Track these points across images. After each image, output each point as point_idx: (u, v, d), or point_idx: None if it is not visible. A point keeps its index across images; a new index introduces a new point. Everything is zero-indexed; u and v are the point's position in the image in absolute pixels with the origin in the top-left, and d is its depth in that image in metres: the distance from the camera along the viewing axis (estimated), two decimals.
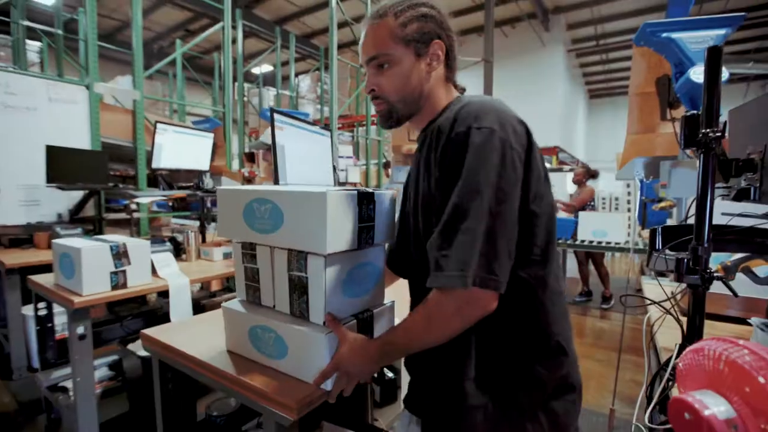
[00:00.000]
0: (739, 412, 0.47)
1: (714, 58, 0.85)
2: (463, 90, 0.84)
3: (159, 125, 2.36)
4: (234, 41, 5.43)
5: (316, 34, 10.99)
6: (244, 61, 6.33)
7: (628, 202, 7.77)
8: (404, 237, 0.86)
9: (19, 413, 2.07)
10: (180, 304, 1.83)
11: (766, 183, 0.94)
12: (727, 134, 0.92)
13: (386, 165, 5.73)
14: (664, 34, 1.61)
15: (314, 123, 1.80)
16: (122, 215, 3.28)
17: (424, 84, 0.77)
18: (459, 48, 0.84)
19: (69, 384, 1.84)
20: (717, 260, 1.08)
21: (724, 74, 1.51)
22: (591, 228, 3.30)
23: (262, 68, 9.93)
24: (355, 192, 0.79)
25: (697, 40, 1.60)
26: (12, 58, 4.79)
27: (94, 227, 3.03)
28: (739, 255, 1.09)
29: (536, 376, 0.69)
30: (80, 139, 3.01)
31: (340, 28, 10.67)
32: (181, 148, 2.42)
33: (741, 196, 0.98)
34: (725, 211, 1.16)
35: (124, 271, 1.66)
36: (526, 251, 0.68)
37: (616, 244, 3.23)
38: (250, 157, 4.62)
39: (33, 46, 5.09)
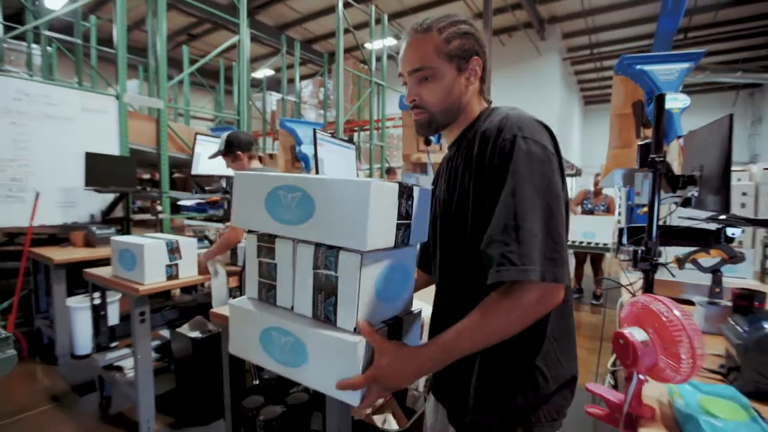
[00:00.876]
0: (650, 337, 0.77)
1: (660, 103, 1.16)
2: (489, 102, 0.88)
3: (198, 136, 2.64)
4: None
5: (317, 40, 11.30)
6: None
7: (619, 206, 8.13)
8: (437, 236, 0.88)
9: (71, 394, 2.34)
10: (220, 294, 2.12)
11: (703, 194, 1.25)
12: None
13: (389, 171, 6.03)
14: (638, 66, 1.94)
15: (342, 139, 2.09)
16: (146, 216, 3.55)
17: (462, 97, 0.82)
18: None
19: (123, 363, 2.12)
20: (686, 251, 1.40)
21: (686, 102, 1.86)
22: (581, 230, 3.62)
23: (265, 73, 10.23)
24: (397, 185, 0.73)
25: (665, 72, 1.93)
26: (25, 63, 5.05)
27: (122, 227, 3.30)
28: (689, 249, 1.41)
29: (551, 375, 0.76)
30: (110, 146, 3.29)
31: (348, 33, 10.98)
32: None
33: (685, 203, 1.30)
34: (682, 215, 1.49)
35: (176, 264, 1.95)
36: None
37: (604, 245, 3.55)
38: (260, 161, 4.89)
39: (36, 49, 5.28)
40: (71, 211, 3.13)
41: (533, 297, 0.64)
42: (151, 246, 1.84)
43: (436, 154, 2.92)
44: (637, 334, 0.78)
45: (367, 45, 6.09)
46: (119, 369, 2.09)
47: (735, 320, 0.95)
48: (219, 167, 2.46)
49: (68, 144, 3.07)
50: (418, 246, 0.88)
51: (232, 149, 2.14)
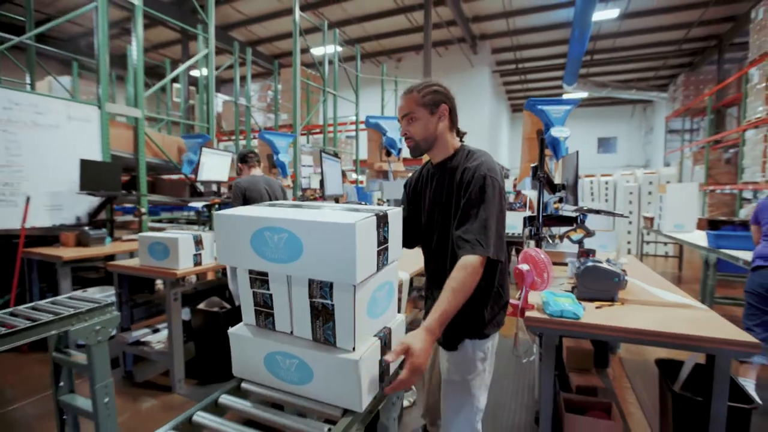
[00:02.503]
0: (530, 267, 1.58)
1: (542, 142, 2.01)
2: (463, 134, 1.38)
3: (204, 149, 3.13)
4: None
5: (261, 42, 11.59)
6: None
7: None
8: (420, 221, 1.41)
9: None
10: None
11: (568, 195, 2.13)
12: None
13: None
14: (539, 106, 2.85)
15: (333, 155, 2.76)
16: (128, 218, 3.88)
17: (436, 131, 1.29)
18: (398, 64, 1.59)
19: (148, 338, 2.59)
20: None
21: (568, 133, 2.80)
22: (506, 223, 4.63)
23: (202, 72, 10.29)
24: (374, 217, 0.85)
25: (555, 111, 2.86)
26: None
27: (106, 228, 3.62)
28: (564, 228, 2.29)
29: (498, 303, 1.34)
30: (93, 152, 3.60)
31: (285, 38, 11.36)
32: (213, 164, 3.21)
33: (560, 201, 2.17)
34: (564, 207, 2.37)
35: (200, 254, 2.48)
36: None
37: (519, 235, 4.58)
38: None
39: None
40: (58, 213, 3.41)
41: (482, 266, 1.15)
42: (183, 239, 2.37)
43: (395, 163, 3.67)
44: (523, 267, 1.58)
45: (314, 51, 6.67)
46: (145, 344, 2.56)
47: (578, 261, 1.80)
48: (218, 174, 2.99)
49: (55, 150, 3.35)
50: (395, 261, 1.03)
51: (241, 161, 2.72)
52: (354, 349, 0.83)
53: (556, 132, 2.75)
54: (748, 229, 2.99)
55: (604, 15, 9.16)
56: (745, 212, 7.65)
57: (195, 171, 3.18)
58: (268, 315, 0.91)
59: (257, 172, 2.84)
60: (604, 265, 1.71)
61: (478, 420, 1.35)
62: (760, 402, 1.59)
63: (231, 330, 0.94)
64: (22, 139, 3.18)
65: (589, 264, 1.73)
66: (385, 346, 0.94)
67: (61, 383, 1.58)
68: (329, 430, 0.78)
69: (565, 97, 15.11)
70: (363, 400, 0.82)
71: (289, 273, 0.84)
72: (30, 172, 3.22)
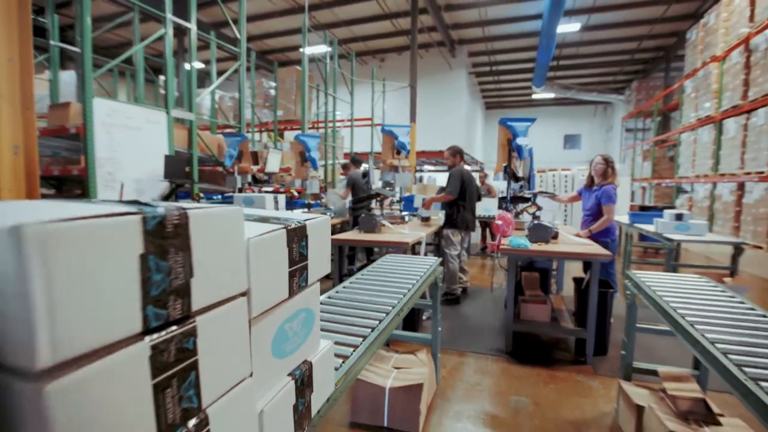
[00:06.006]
0: (502, 222, 2.96)
1: (510, 149, 3.39)
2: (463, 159, 3.66)
3: (271, 149, 4.33)
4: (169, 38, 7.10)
5: (251, 39, 12.53)
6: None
7: (501, 192, 11.18)
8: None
9: None
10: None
11: (525, 184, 3.55)
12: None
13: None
14: (508, 123, 4.25)
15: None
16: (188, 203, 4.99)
17: (456, 162, 3.72)
18: (381, 64, 3.60)
19: None
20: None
21: (529, 143, 4.29)
22: (481, 207, 6.08)
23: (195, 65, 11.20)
24: (284, 231, 0.73)
25: (520, 126, 4.28)
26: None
27: None
28: (523, 205, 3.72)
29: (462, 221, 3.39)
30: (163, 149, 4.71)
31: (285, 34, 12.37)
32: (274, 160, 4.42)
33: (520, 188, 3.58)
34: (526, 192, 3.80)
35: None
36: (461, 195, 3.51)
37: (491, 216, 6.06)
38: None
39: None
40: (142, 196, 4.51)
41: (446, 196, 3.51)
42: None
43: (403, 160, 4.96)
44: (499, 221, 2.97)
45: (314, 51, 7.87)
46: None
47: (532, 222, 3.21)
48: (274, 168, 4.22)
49: (139, 147, 4.45)
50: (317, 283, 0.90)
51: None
52: None
53: (520, 141, 4.14)
54: (659, 212, 4.53)
55: (567, 28, 10.78)
56: (679, 202, 9.48)
57: (263, 165, 4.34)
58: None
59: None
60: (543, 222, 3.12)
61: None
62: (617, 289, 3.04)
63: None
64: (118, 138, 4.28)
65: (536, 222, 3.13)
66: (303, 385, 0.82)
67: None
68: None
69: (534, 97, 16.85)
70: None
71: None
72: (123, 163, 4.32)
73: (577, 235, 3.32)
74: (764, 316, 1.59)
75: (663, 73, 12.73)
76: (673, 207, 8.54)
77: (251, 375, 0.70)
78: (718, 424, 1.74)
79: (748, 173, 5.80)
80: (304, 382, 0.73)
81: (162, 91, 9.79)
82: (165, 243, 0.53)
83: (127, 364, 0.48)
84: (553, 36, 9.44)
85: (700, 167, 7.70)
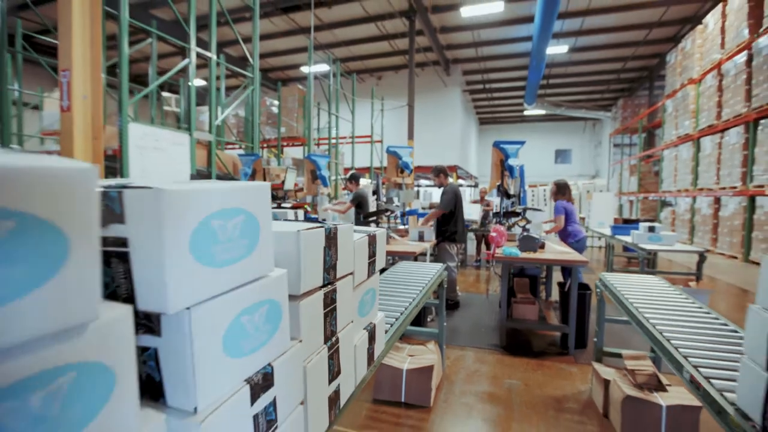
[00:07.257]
0: (496, 234, 3.51)
1: (503, 168, 3.96)
2: (448, 177, 4.20)
3: (289, 169, 4.87)
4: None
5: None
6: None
7: (496, 206, 11.81)
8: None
9: None
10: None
11: (516, 201, 4.12)
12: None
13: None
14: (501, 145, 4.85)
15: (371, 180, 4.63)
16: None
17: (443, 181, 4.32)
18: (378, 81, 4.51)
19: None
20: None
21: (521, 163, 4.92)
22: (465, 211, 6.73)
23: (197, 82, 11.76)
24: (365, 238, 1.34)
25: (511, 148, 4.89)
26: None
27: None
28: (514, 219, 4.29)
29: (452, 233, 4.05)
30: (187, 168, 5.21)
31: (286, 54, 13.15)
32: (290, 179, 4.95)
33: (512, 204, 4.14)
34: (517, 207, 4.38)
35: None
36: (454, 210, 4.14)
37: (482, 228, 6.62)
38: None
39: None
40: None
41: (439, 211, 4.12)
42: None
43: (407, 178, 5.54)
44: (494, 233, 3.51)
45: (304, 69, 8.47)
46: None
47: (522, 235, 3.76)
48: (290, 185, 4.75)
49: (166, 165, 4.96)
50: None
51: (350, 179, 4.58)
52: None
53: (511, 161, 4.72)
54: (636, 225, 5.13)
55: (556, 50, 11.54)
56: (663, 215, 10.13)
57: (281, 182, 4.87)
58: None
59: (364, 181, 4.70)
60: (532, 234, 3.68)
61: None
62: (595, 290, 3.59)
63: None
64: (150, 158, 4.78)
65: (525, 234, 3.68)
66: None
67: None
68: None
69: (526, 113, 17.61)
70: None
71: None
72: (152, 180, 4.81)
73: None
74: (704, 310, 2.14)
75: (647, 91, 13.55)
76: (654, 220, 9.20)
77: (352, 322, 1.23)
78: (665, 390, 2.27)
79: (723, 188, 6.43)
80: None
81: (165, 107, 10.38)
82: (330, 242, 1.06)
83: (317, 299, 1.01)
84: (543, 56, 10.14)
85: (681, 182, 8.36)
